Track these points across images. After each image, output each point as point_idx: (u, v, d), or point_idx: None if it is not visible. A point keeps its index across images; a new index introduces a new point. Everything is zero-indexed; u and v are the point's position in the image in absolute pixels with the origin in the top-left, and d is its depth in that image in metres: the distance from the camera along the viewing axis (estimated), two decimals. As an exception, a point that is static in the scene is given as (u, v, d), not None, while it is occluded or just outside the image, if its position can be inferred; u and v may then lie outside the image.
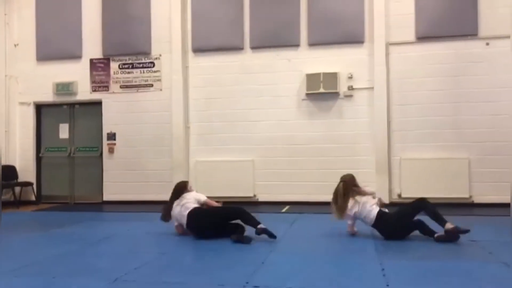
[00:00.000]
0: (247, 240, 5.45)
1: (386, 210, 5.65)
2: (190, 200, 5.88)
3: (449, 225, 5.31)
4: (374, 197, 5.78)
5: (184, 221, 5.76)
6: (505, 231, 6.19)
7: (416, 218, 5.54)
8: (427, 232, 5.46)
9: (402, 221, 5.51)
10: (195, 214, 5.71)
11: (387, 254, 4.95)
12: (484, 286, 3.86)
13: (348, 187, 5.75)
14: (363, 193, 5.71)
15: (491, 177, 8.51)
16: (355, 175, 8.95)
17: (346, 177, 5.89)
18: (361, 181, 8.79)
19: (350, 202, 5.65)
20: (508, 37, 8.46)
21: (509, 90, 8.47)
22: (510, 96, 8.47)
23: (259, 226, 5.51)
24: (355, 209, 5.62)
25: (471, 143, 8.64)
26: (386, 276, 4.12)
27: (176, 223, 6.00)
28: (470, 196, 8.57)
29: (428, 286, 3.90)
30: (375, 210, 5.55)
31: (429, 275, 4.23)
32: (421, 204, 5.52)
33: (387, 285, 3.86)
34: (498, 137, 8.52)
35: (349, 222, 5.73)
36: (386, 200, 8.55)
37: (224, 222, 5.76)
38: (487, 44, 8.60)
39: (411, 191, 8.59)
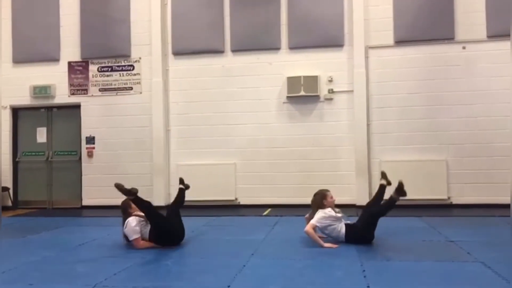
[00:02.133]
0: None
1: (349, 222, 5.66)
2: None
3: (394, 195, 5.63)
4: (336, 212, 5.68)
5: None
6: (482, 231, 6.32)
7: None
8: (388, 208, 5.66)
9: (370, 230, 5.57)
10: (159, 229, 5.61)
11: (368, 256, 4.99)
12: (463, 285, 3.92)
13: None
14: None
15: (468, 178, 8.66)
16: (335, 177, 9.07)
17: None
18: (341, 183, 8.96)
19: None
20: (483, 41, 8.69)
21: (485, 93, 8.66)
22: (486, 99, 8.66)
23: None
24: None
25: (449, 145, 8.79)
26: (367, 277, 4.16)
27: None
28: (449, 197, 8.71)
29: (408, 285, 3.95)
30: (343, 227, 5.56)
31: (409, 276, 4.28)
32: (371, 215, 5.64)
33: (368, 286, 3.89)
34: (475, 139, 8.69)
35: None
36: (365, 203, 8.65)
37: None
38: (464, 47, 8.78)
39: (390, 193, 8.65)
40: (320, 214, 5.53)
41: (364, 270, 4.39)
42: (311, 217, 5.62)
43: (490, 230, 6.42)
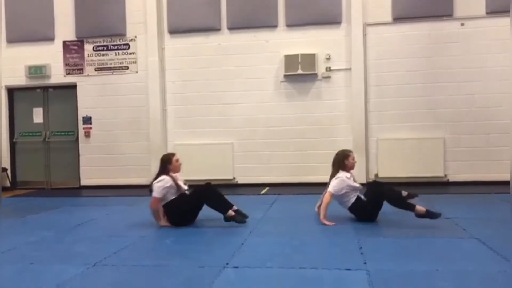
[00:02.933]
0: (240, 219, 5.39)
1: (362, 197, 5.61)
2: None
3: (420, 209, 5.22)
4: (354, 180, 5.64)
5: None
6: (478, 208, 6.39)
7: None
8: (402, 205, 5.36)
9: (375, 209, 5.52)
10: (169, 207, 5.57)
11: (365, 233, 5.04)
12: (458, 261, 3.97)
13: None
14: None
15: (465, 156, 8.70)
16: (332, 156, 9.07)
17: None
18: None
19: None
20: (482, 17, 8.61)
21: (483, 70, 8.62)
22: (483, 76, 8.63)
23: (227, 214, 5.39)
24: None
25: (446, 122, 8.79)
26: (364, 254, 4.21)
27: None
28: (445, 175, 8.76)
29: (404, 262, 3.99)
30: (354, 197, 5.53)
31: (405, 252, 4.34)
32: (381, 195, 5.44)
33: (365, 263, 3.94)
34: (472, 117, 8.69)
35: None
36: (363, 180, 8.69)
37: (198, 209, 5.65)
38: (462, 24, 8.70)
39: (388, 171, 8.74)
40: (337, 180, 5.45)
41: (361, 247, 4.44)
42: (333, 176, 5.57)
43: (486, 207, 6.48)
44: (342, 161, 5.63)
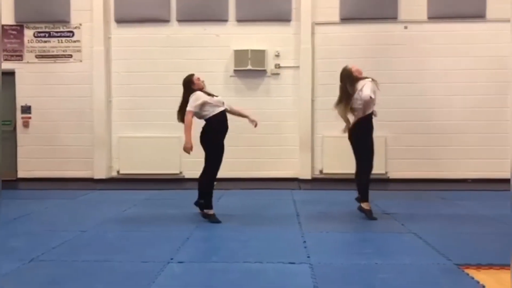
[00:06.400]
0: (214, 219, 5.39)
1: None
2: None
3: (365, 205, 5.59)
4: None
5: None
6: (415, 204, 6.68)
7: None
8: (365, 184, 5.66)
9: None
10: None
11: (309, 228, 5.14)
12: (396, 255, 4.14)
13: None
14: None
15: (405, 154, 9.05)
16: (279, 152, 9.20)
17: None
18: (285, 157, 9.16)
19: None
20: (423, 21, 8.99)
21: (424, 72, 8.98)
22: (425, 78, 8.99)
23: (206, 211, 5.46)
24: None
25: (388, 121, 9.05)
26: (308, 248, 4.30)
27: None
28: (386, 172, 9.08)
29: (346, 255, 4.12)
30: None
31: (347, 246, 4.48)
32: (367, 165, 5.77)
33: (308, 256, 4.02)
34: (412, 117, 9.05)
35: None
36: (308, 176, 8.88)
37: None
38: (405, 27, 9.03)
39: (332, 167, 8.94)
40: (367, 85, 5.75)
41: (305, 241, 4.53)
42: (344, 90, 6.01)
43: (423, 204, 6.79)
44: (351, 75, 5.96)
